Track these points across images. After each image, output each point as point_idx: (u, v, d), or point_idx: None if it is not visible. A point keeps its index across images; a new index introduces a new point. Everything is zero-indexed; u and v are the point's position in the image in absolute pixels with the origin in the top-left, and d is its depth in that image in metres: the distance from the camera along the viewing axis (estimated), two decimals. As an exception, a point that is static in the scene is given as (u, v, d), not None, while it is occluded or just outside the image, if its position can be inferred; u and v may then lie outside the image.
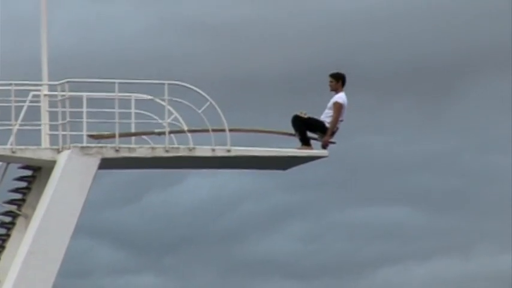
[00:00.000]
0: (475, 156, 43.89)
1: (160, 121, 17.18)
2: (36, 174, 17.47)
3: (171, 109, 17.05)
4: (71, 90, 17.11)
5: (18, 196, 17.54)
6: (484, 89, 43.54)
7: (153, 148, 17.39)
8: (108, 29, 39.93)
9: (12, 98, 16.92)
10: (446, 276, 43.19)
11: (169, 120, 17.17)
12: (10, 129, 16.96)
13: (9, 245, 17.37)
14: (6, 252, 17.37)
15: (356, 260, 43.39)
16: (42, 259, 16.86)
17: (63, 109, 17.11)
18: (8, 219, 17.44)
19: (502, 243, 42.89)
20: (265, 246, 43.54)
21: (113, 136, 17.24)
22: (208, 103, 17.06)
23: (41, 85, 17.50)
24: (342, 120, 18.08)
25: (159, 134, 17.43)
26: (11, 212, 17.43)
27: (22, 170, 17.65)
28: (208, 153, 17.45)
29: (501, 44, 41.42)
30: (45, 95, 17.38)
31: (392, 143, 42.32)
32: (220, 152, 17.41)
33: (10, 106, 16.92)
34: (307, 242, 44.46)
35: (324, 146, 18.00)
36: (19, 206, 17.46)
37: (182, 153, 17.37)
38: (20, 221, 17.39)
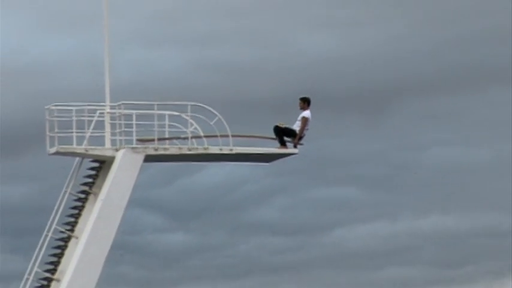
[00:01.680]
0: (400, 153, 43.49)
1: (185, 130, 16.57)
2: (102, 165, 16.83)
3: (192, 122, 16.45)
4: (125, 109, 16.61)
5: (90, 180, 16.86)
6: (407, 108, 43.07)
7: (180, 148, 16.70)
8: (153, 66, 39.48)
9: (86, 114, 16.36)
10: (380, 234, 42.91)
11: (191, 129, 16.53)
12: (84, 136, 16.37)
13: (84, 213, 16.68)
14: (82, 217, 16.69)
15: (319, 224, 43.05)
16: (106, 222, 16.23)
17: (120, 122, 16.54)
18: (83, 195, 16.78)
19: (418, 212, 42.75)
20: (259, 213, 43.14)
21: (153, 140, 16.70)
22: (217, 118, 16.48)
23: (105, 105, 16.88)
24: (307, 129, 17.34)
25: (184, 138, 16.78)
26: (85, 190, 16.72)
27: (93, 162, 17.02)
28: (217, 151, 16.88)
29: (421, 74, 41.12)
30: (107, 112, 16.77)
31: (343, 145, 41.85)
32: (226, 150, 16.78)
33: (84, 120, 16.44)
34: (287, 211, 43.87)
35: (295, 146, 17.42)
36: (90, 187, 16.68)
37: (200, 151, 16.73)
38: (91, 197, 16.61)
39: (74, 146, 16.29)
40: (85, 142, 16.26)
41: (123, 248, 25.78)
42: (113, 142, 16.62)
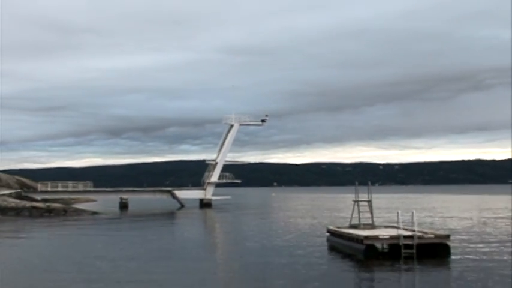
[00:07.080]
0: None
1: (250, 119, 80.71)
2: (231, 127, 79.82)
3: (246, 118, 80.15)
4: (236, 116, 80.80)
5: (225, 135, 79.00)
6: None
7: (248, 123, 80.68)
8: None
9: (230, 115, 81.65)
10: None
11: (249, 118, 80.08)
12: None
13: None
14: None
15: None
16: (228, 144, 78.53)
17: (235, 118, 79.52)
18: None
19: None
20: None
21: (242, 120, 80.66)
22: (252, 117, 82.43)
23: (232, 120, 79.44)
24: (265, 121, 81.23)
25: (250, 120, 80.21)
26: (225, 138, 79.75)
27: (228, 126, 79.60)
28: (256, 123, 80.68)
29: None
30: (234, 116, 79.52)
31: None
32: (255, 122, 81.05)
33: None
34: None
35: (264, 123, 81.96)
36: (226, 136, 79.50)
37: (250, 123, 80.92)
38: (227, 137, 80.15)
39: (227, 121, 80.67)
40: (228, 121, 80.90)
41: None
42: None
